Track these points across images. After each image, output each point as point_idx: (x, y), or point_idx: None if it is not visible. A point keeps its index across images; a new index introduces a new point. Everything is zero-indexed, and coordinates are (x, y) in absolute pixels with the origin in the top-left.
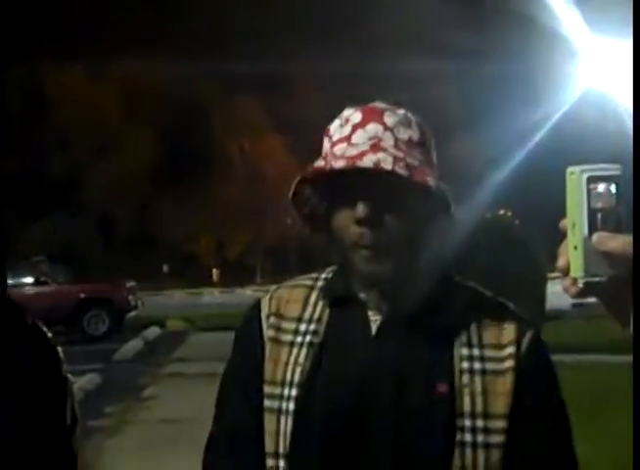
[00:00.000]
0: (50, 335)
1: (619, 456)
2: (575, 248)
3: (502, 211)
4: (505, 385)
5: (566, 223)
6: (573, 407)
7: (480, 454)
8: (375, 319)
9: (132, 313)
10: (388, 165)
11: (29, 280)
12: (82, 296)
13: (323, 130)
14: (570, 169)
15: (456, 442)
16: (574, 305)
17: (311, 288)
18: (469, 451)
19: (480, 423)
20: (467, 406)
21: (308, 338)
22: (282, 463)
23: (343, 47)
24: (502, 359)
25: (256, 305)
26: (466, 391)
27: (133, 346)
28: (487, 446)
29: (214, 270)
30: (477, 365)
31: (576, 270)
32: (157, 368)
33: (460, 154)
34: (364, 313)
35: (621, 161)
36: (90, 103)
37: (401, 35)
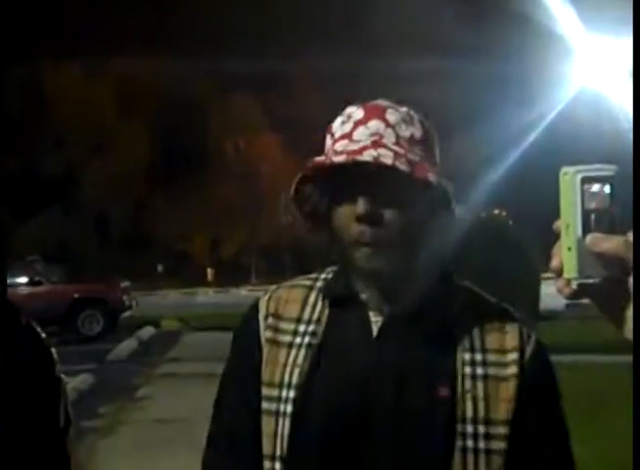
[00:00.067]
0: (44, 335)
1: (616, 456)
2: (569, 249)
3: (496, 211)
4: (508, 391)
5: (560, 224)
6: (569, 408)
7: (482, 461)
8: (376, 320)
9: (126, 313)
10: (388, 160)
11: (23, 280)
12: (76, 296)
13: (319, 129)
14: (563, 170)
15: (458, 447)
16: (568, 306)
17: (310, 288)
18: (470, 458)
19: (481, 429)
20: (469, 412)
21: (307, 339)
22: (279, 466)
23: (340, 46)
24: (505, 365)
25: (255, 306)
26: (468, 396)
27: (127, 346)
28: (489, 452)
29: (209, 270)
30: (479, 370)
31: (570, 271)
32: (151, 368)
33: (454, 153)
34: (365, 314)
35: (616, 160)
36: (85, 102)
37: (398, 35)
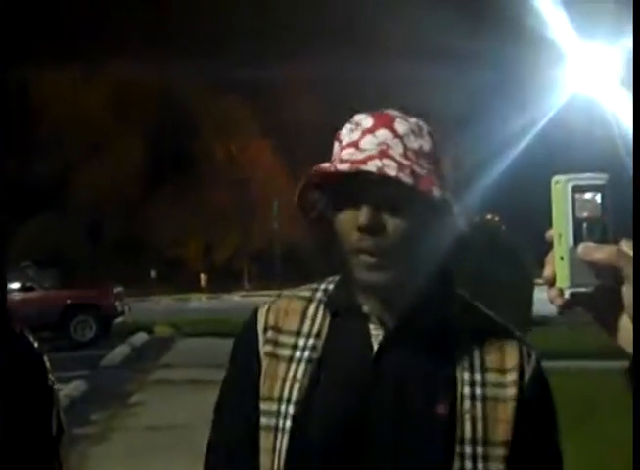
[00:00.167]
0: (36, 343)
1: (607, 462)
2: (561, 258)
3: (489, 216)
4: (506, 412)
5: (552, 233)
6: (560, 413)
7: None
8: (377, 334)
9: (119, 319)
10: (392, 172)
11: (16, 286)
12: (69, 301)
13: (311, 135)
14: (555, 179)
15: (456, 469)
16: (561, 312)
17: (310, 300)
18: None
19: (480, 450)
20: (468, 433)
21: (307, 354)
22: None
23: (334, 52)
24: (504, 385)
25: (254, 317)
26: (467, 416)
27: (120, 352)
28: None
29: (202, 275)
30: (478, 391)
31: (562, 281)
32: (143, 375)
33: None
34: (365, 327)
35: (608, 165)
36: (79, 106)
37: (391, 40)
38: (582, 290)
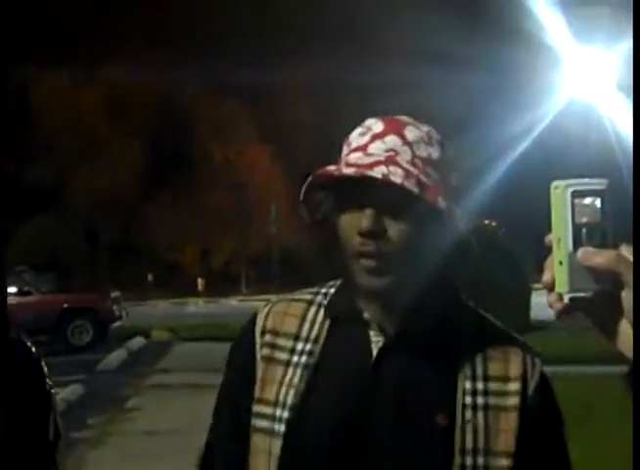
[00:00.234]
0: (34, 348)
1: (607, 466)
2: (561, 263)
3: (487, 221)
4: (508, 422)
5: (551, 238)
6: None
7: None
8: (377, 340)
9: (116, 324)
10: (397, 179)
11: (12, 290)
12: (66, 306)
13: (308, 139)
14: (554, 184)
15: None
16: (558, 317)
17: (310, 303)
18: None
19: (481, 460)
20: (469, 443)
21: (304, 359)
22: None
23: (334, 52)
24: (506, 394)
25: (252, 320)
26: (468, 427)
27: (117, 356)
28: None
29: (199, 280)
30: (480, 400)
31: (562, 286)
32: (140, 379)
33: None
34: (366, 333)
35: (604, 170)
36: (75, 109)
37: (391, 42)
38: (582, 295)
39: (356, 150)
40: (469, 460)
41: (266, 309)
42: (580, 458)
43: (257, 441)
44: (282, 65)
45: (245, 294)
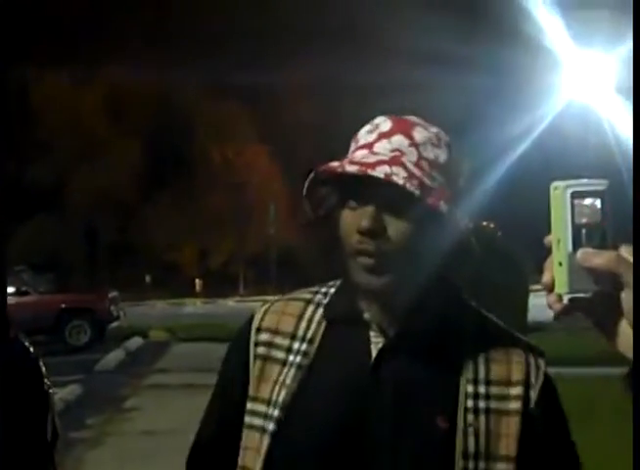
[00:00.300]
0: (32, 349)
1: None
2: (560, 264)
3: (485, 223)
4: (510, 427)
5: (551, 239)
6: None
7: None
8: (377, 341)
9: (114, 324)
10: (399, 180)
11: (10, 290)
12: (64, 306)
13: (307, 140)
14: (554, 184)
15: None
16: (557, 318)
17: (309, 302)
18: None
19: (482, 465)
20: (471, 447)
21: (298, 359)
22: None
23: (333, 57)
24: (508, 398)
25: (250, 318)
26: (470, 430)
27: (115, 356)
28: None
29: (197, 280)
30: (481, 404)
31: (561, 286)
32: (138, 379)
33: None
34: (365, 334)
35: (603, 172)
36: (75, 109)
37: (390, 43)
38: (581, 296)
39: (362, 147)
40: (471, 464)
41: (264, 308)
42: (580, 459)
43: (250, 438)
44: (281, 65)
45: (242, 294)
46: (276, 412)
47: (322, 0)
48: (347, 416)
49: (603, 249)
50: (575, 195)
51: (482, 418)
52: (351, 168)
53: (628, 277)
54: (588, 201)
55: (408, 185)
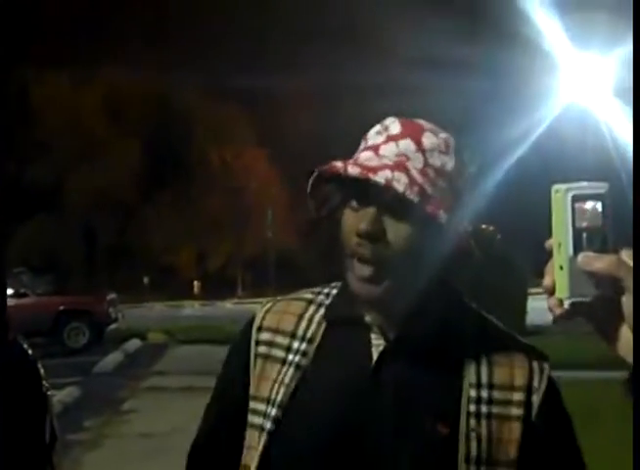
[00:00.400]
0: (30, 351)
1: None
2: (561, 268)
3: (484, 226)
4: (512, 431)
5: (551, 243)
6: None
7: None
8: (378, 343)
9: (112, 326)
10: (400, 186)
11: (9, 292)
12: (62, 308)
13: (306, 143)
14: (555, 188)
15: None
16: (555, 322)
17: (310, 302)
18: None
19: None
20: (473, 452)
21: (298, 358)
22: None
23: (331, 61)
24: (510, 403)
25: (251, 320)
26: (472, 435)
27: (113, 358)
28: None
29: (195, 283)
30: (484, 409)
31: (562, 290)
32: (136, 381)
33: None
34: (366, 336)
35: (601, 175)
36: (74, 110)
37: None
38: (582, 300)
39: (369, 149)
40: (473, 469)
41: (265, 308)
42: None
43: (250, 436)
44: (281, 68)
45: (240, 297)
46: (274, 411)
47: (322, 0)
48: (346, 417)
49: (604, 252)
50: (576, 198)
51: (485, 423)
52: (353, 171)
53: (629, 281)
54: (589, 204)
55: (408, 192)
